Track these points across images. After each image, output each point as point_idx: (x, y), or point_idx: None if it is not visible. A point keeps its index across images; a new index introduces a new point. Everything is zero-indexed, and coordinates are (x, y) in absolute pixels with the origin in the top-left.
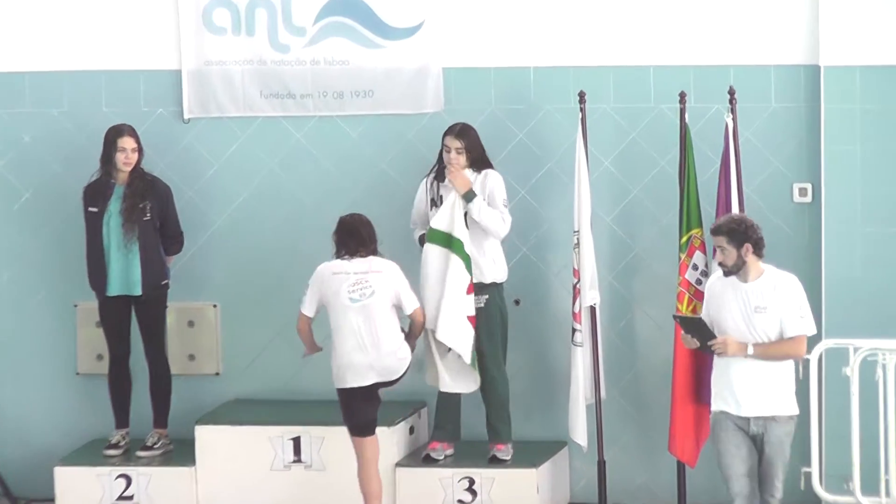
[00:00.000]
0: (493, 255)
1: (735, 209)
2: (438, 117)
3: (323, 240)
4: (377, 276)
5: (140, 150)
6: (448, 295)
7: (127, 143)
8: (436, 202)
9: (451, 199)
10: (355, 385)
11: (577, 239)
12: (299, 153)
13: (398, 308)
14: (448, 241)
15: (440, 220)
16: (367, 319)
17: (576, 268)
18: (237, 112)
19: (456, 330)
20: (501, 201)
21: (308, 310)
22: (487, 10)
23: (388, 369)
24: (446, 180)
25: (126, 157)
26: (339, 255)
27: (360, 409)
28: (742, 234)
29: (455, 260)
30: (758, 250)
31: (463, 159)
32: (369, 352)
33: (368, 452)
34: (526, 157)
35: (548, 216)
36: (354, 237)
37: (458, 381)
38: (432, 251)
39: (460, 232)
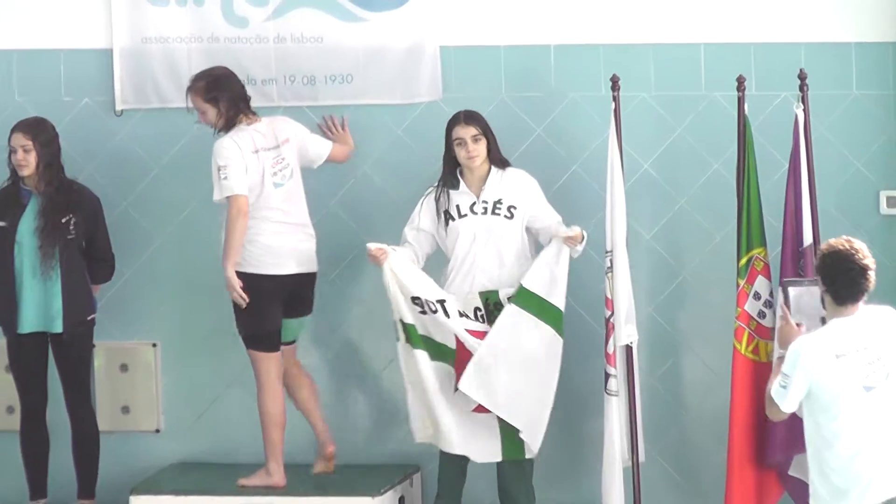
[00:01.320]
0: None
1: (807, 223)
2: (435, 108)
3: None
4: (288, 147)
5: (45, 148)
6: (540, 379)
7: (16, 140)
8: (451, 215)
9: (554, 251)
10: (276, 272)
11: (610, 261)
12: None
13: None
14: (542, 309)
15: (537, 280)
16: (288, 201)
17: (608, 297)
18: (183, 102)
19: (537, 417)
20: (551, 210)
21: (244, 188)
22: None
23: (306, 255)
24: (459, 187)
25: (19, 158)
26: (229, 124)
27: (270, 311)
28: (817, 267)
29: (549, 334)
30: (830, 292)
31: (482, 148)
32: (290, 236)
33: (274, 371)
34: (545, 158)
35: None
36: (242, 92)
37: (477, 445)
38: (518, 319)
39: (560, 297)
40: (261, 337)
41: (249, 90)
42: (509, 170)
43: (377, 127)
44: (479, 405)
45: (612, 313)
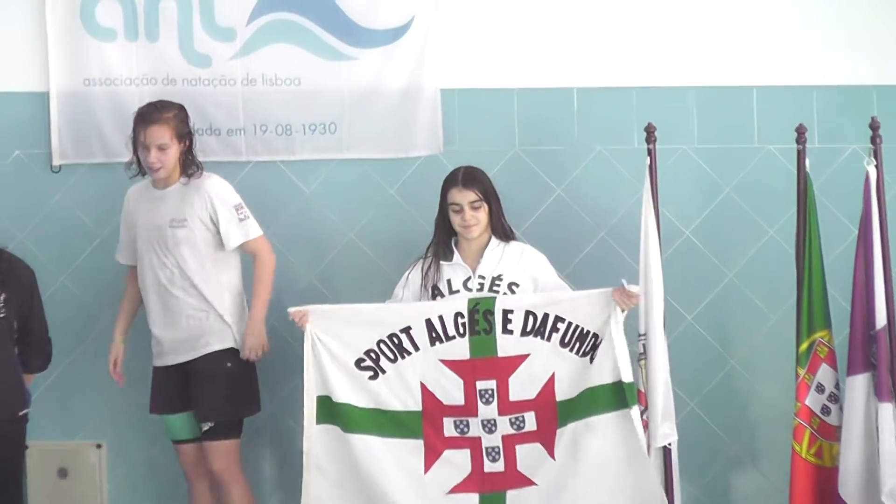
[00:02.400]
0: None
1: (880, 301)
2: (435, 163)
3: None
4: None
5: None
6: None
7: None
8: (440, 291)
9: (616, 325)
10: None
11: (644, 346)
12: None
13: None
14: (629, 395)
15: (623, 367)
16: None
17: (642, 390)
18: (132, 155)
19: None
20: (567, 288)
21: None
22: (508, 2)
23: None
24: (452, 259)
25: None
26: (186, 171)
27: None
28: None
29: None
30: None
31: (482, 216)
32: None
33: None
34: (567, 223)
35: None
36: None
37: None
38: (614, 427)
39: (627, 369)
40: (241, 421)
41: (213, 141)
42: (514, 243)
43: (365, 186)
44: (458, 485)
45: (647, 409)
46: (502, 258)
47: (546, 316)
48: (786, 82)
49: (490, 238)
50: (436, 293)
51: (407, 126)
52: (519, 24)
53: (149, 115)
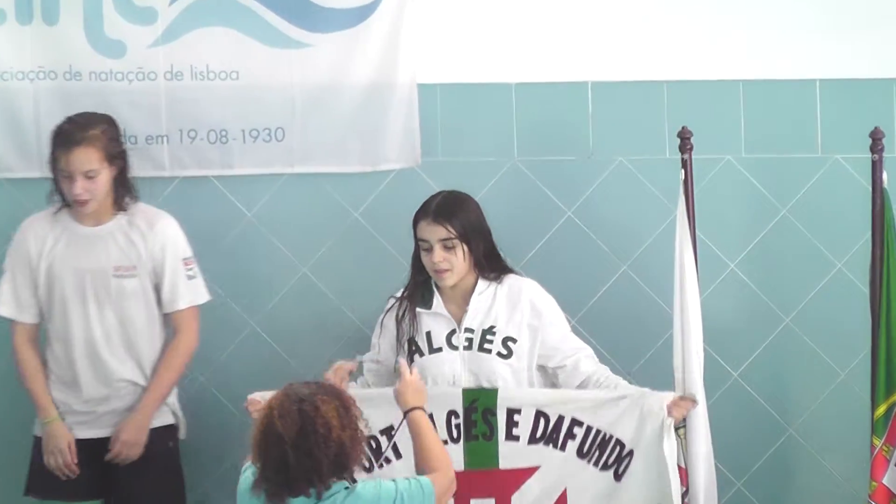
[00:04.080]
0: None
1: None
2: (410, 179)
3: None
4: None
5: None
6: None
7: None
8: (419, 347)
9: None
10: None
11: None
12: None
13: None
14: None
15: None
16: None
17: (681, 465)
18: (27, 170)
19: None
20: (574, 342)
21: None
22: None
23: None
24: (432, 306)
25: None
26: (119, 204)
27: None
28: None
29: None
30: None
31: (458, 260)
32: None
33: None
34: (579, 255)
35: (626, 366)
36: None
37: None
38: None
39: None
40: None
41: (129, 154)
42: (509, 280)
43: (322, 208)
44: None
45: (688, 490)
46: (494, 303)
47: (561, 419)
48: (857, 74)
49: (477, 278)
50: (413, 349)
51: (375, 131)
52: (516, 5)
53: (70, 135)
